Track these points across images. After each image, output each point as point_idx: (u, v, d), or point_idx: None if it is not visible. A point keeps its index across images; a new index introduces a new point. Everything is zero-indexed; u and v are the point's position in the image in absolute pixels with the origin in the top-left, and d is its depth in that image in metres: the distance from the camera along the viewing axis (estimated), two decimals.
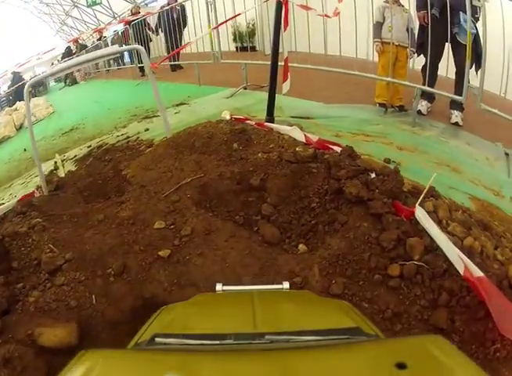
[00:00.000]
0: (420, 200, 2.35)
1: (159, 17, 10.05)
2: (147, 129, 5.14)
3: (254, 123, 3.76)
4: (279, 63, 4.25)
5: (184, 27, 9.25)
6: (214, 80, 7.68)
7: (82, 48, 19.60)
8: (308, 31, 5.38)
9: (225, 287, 1.51)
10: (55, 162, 5.21)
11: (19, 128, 11.07)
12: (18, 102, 14.25)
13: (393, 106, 5.16)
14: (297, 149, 2.95)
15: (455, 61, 4.75)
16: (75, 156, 5.15)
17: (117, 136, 5.24)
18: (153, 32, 11.38)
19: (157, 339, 1.00)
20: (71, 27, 33.78)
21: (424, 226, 2.26)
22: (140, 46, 3.94)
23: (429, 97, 5.00)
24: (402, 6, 5.22)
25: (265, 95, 4.79)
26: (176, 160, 3.26)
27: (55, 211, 3.13)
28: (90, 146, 5.30)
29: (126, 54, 14.26)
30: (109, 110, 7.84)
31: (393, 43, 4.88)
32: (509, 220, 2.85)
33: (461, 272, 2.03)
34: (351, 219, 2.44)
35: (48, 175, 4.65)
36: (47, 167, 5.14)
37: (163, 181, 3.02)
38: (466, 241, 2.28)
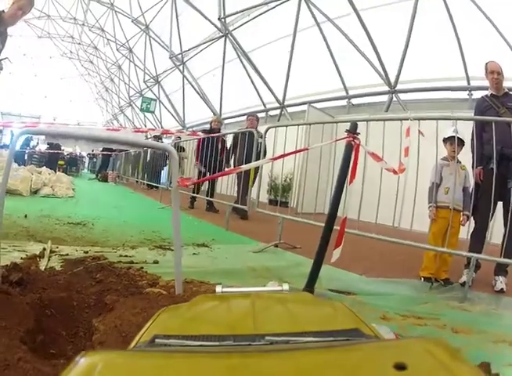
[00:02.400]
0: None
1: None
2: (156, 262, 4.43)
3: None
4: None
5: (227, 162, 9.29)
6: (243, 228, 7.26)
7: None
8: (362, 193, 5.07)
9: (225, 289, 1.52)
10: (44, 249, 4.48)
11: (34, 192, 10.86)
12: (45, 167, 14.37)
13: (437, 279, 4.70)
14: None
15: (506, 221, 4.43)
16: (67, 254, 4.44)
17: (121, 256, 4.58)
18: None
19: (157, 340, 0.99)
20: (120, 124, 35.69)
21: None
22: (172, 147, 3.19)
23: (476, 266, 4.54)
24: (460, 162, 4.89)
25: (297, 257, 4.71)
26: None
27: None
28: (87, 251, 4.61)
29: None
30: (125, 222, 7.44)
31: (451, 207, 4.55)
32: None
33: None
34: None
35: (27, 259, 3.98)
36: (32, 249, 4.49)
37: None
38: None
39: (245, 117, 15.89)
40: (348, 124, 3.70)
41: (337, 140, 4.23)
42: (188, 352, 0.90)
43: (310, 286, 3.32)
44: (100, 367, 0.76)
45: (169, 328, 1.14)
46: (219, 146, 9.25)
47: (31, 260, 3.99)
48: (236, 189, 8.71)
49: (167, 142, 14.68)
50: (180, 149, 13.17)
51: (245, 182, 8.15)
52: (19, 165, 13.96)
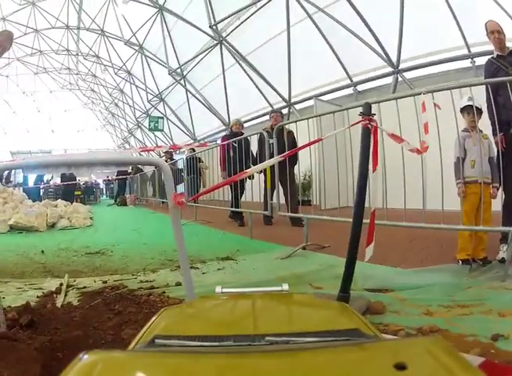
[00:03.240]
0: None
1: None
2: (179, 284, 4.20)
3: None
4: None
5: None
6: (268, 234, 7.10)
7: (137, 170, 20.09)
8: (385, 180, 4.86)
9: (225, 290, 1.52)
10: (61, 284, 4.33)
11: (51, 226, 10.81)
12: (60, 200, 14.59)
13: (475, 260, 4.44)
14: None
15: None
16: (85, 287, 4.26)
17: (141, 281, 4.41)
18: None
19: (158, 341, 0.97)
20: (132, 146, 36.01)
21: None
22: (161, 160, 2.94)
23: None
24: (481, 132, 4.60)
25: (328, 258, 4.53)
26: None
27: None
28: (106, 281, 4.45)
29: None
30: (145, 245, 7.29)
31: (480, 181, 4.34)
32: None
33: None
34: None
35: (43, 297, 3.86)
36: (49, 285, 4.36)
37: None
38: None
39: (254, 121, 15.60)
40: (358, 110, 3.44)
41: (352, 125, 3.90)
42: (188, 352, 0.90)
43: (345, 290, 3.05)
44: (100, 367, 0.75)
45: (169, 328, 1.13)
46: (244, 150, 8.48)
47: (47, 297, 3.88)
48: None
49: (180, 157, 14.57)
50: (198, 160, 13.01)
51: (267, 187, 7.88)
52: (33, 201, 14.01)
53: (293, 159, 7.71)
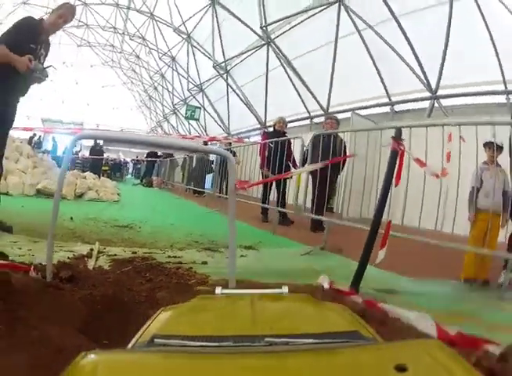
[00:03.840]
0: None
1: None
2: (205, 262, 4.47)
3: (360, 300, 3.00)
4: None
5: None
6: (290, 233, 7.28)
7: (168, 154, 20.24)
8: (406, 198, 5.02)
9: (225, 291, 1.54)
10: (92, 249, 4.57)
11: (79, 196, 11.10)
12: (89, 172, 14.64)
13: (476, 280, 4.71)
14: None
15: None
16: (115, 254, 4.48)
17: (169, 256, 4.62)
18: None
19: (156, 340, 1.01)
20: (164, 132, 35.76)
21: None
22: (229, 153, 3.27)
23: None
24: (499, 166, 4.86)
25: (343, 260, 4.72)
26: None
27: (31, 314, 2.17)
28: (136, 252, 4.67)
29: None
30: (172, 225, 7.50)
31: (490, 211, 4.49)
32: None
33: None
34: None
35: (75, 259, 4.05)
36: (80, 249, 4.59)
37: None
38: None
39: (289, 124, 15.66)
40: (391, 130, 3.78)
41: (384, 145, 4.34)
42: (187, 352, 0.93)
43: (356, 284, 3.49)
44: (100, 367, 0.80)
45: (168, 328, 1.16)
46: (285, 151, 8.27)
47: (79, 260, 4.07)
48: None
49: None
50: (233, 153, 13.05)
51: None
52: None
53: (338, 168, 7.29)
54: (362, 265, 3.59)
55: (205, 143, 17.20)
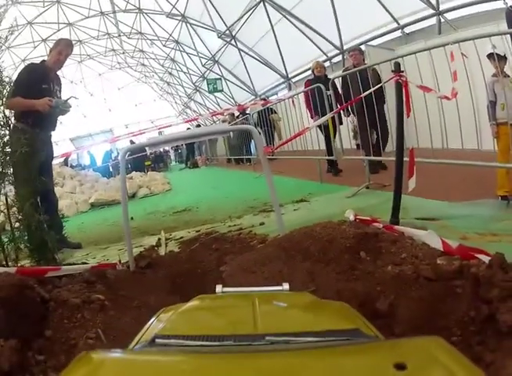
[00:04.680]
0: None
1: None
2: (262, 223, 4.79)
3: (381, 226, 3.16)
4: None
5: None
6: (336, 177, 7.49)
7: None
8: (429, 121, 5.18)
9: (225, 289, 1.56)
10: (159, 239, 4.98)
11: (132, 196, 11.37)
12: (134, 172, 15.18)
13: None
14: (439, 261, 2.27)
15: None
16: (181, 237, 4.87)
17: (229, 226, 4.95)
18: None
19: (158, 340, 1.01)
20: (193, 111, 35.67)
21: None
22: (252, 127, 3.58)
23: None
24: (508, 76, 4.78)
25: (388, 195, 4.63)
26: (285, 266, 2.70)
27: (129, 292, 2.77)
28: (199, 230, 5.02)
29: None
30: (226, 198, 7.79)
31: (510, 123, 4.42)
32: None
33: None
34: (499, 358, 1.66)
35: (147, 250, 4.42)
36: (148, 242, 5.01)
37: None
38: None
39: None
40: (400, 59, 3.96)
41: (386, 82, 4.54)
42: (188, 352, 0.93)
43: (395, 216, 3.74)
44: (101, 367, 0.81)
45: (169, 328, 1.18)
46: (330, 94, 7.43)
47: (151, 250, 4.44)
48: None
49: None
50: (271, 111, 13.10)
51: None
52: (107, 178, 14.83)
53: (381, 97, 6.71)
54: (396, 197, 3.79)
55: (232, 115, 17.23)
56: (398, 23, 12.65)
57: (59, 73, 5.62)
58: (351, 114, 7.87)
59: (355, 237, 2.77)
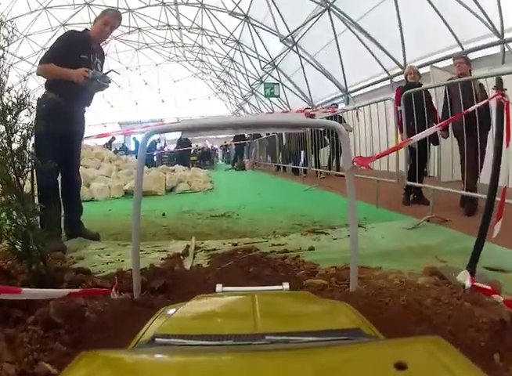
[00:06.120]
0: None
1: None
2: (312, 248, 4.19)
3: (501, 299, 2.38)
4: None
5: None
6: (392, 204, 6.75)
7: (256, 135, 20.17)
8: None
9: (226, 288, 1.55)
10: (188, 246, 4.40)
11: (170, 190, 11.17)
12: (177, 165, 15.01)
13: None
14: None
15: None
16: (214, 249, 4.28)
17: (273, 244, 4.39)
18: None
19: (157, 340, 1.00)
20: (247, 113, 35.87)
21: None
22: (339, 124, 2.74)
23: None
24: None
25: (451, 232, 4.45)
26: None
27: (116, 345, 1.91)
28: (236, 244, 4.46)
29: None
30: (271, 208, 7.20)
31: None
32: None
33: None
34: None
35: (170, 260, 3.88)
36: (174, 247, 4.46)
37: None
38: None
39: (369, 87, 14.75)
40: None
41: (490, 98, 3.80)
42: (188, 351, 0.92)
43: (472, 266, 2.94)
44: (101, 367, 0.78)
45: (169, 327, 1.14)
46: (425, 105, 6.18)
47: (174, 260, 3.89)
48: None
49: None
50: (340, 120, 11.63)
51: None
52: (149, 167, 14.47)
53: (487, 122, 5.52)
54: (479, 245, 2.98)
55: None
56: (463, 48, 12.11)
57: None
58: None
59: (490, 330, 2.02)
